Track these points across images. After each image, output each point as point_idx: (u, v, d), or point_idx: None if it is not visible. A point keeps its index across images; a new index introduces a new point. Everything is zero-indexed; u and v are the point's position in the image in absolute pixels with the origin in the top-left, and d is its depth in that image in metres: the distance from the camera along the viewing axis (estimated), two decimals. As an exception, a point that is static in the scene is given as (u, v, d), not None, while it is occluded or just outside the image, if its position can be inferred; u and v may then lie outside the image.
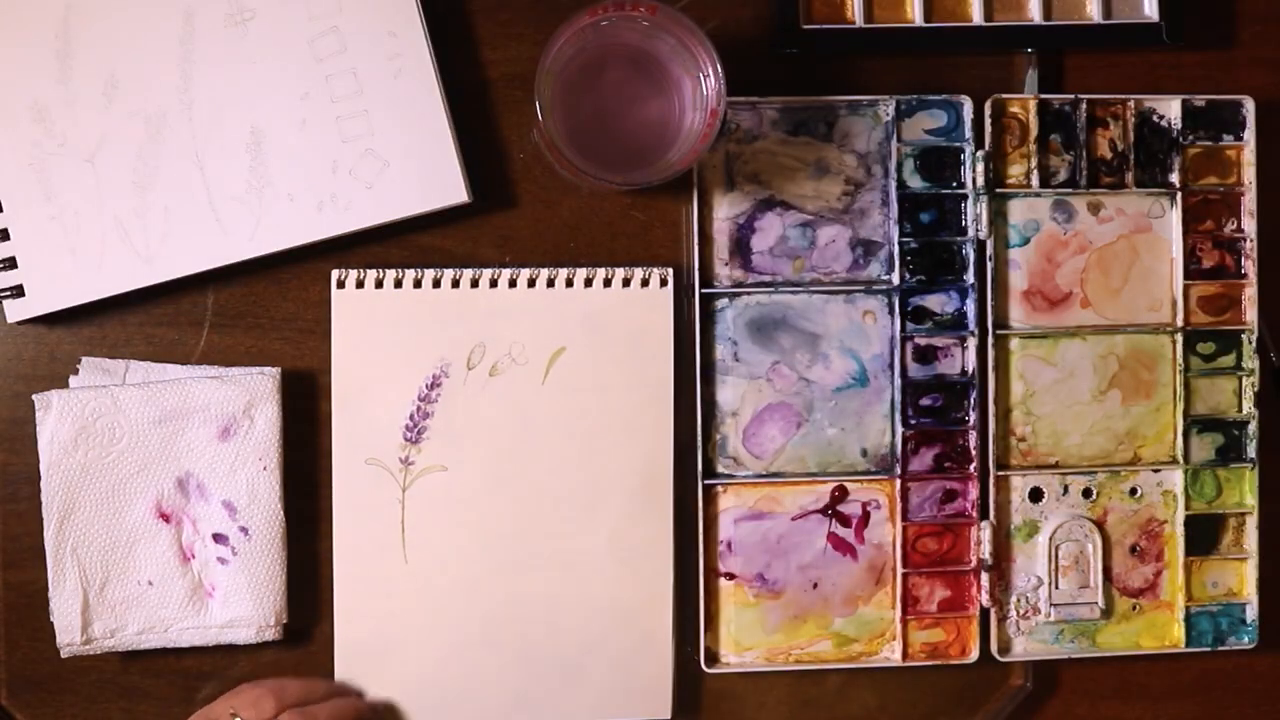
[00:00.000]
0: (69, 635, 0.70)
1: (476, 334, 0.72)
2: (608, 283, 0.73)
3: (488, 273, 0.72)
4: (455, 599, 0.72)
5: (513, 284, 0.72)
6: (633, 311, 0.73)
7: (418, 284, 0.72)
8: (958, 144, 0.75)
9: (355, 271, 0.72)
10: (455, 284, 0.72)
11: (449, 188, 0.71)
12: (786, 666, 0.74)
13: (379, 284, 0.72)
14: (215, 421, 0.71)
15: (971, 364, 0.75)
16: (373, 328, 0.72)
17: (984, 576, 0.75)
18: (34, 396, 0.70)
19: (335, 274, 0.72)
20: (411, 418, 0.72)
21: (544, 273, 0.73)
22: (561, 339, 0.73)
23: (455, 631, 0.72)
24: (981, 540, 0.75)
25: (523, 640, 0.73)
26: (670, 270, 0.73)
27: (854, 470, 0.75)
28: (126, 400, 0.70)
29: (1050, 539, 0.75)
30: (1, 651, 0.72)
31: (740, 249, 0.74)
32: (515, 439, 0.72)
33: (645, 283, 0.73)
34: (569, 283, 0.73)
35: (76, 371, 0.71)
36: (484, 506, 0.72)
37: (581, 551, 0.73)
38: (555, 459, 0.73)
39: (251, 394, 0.71)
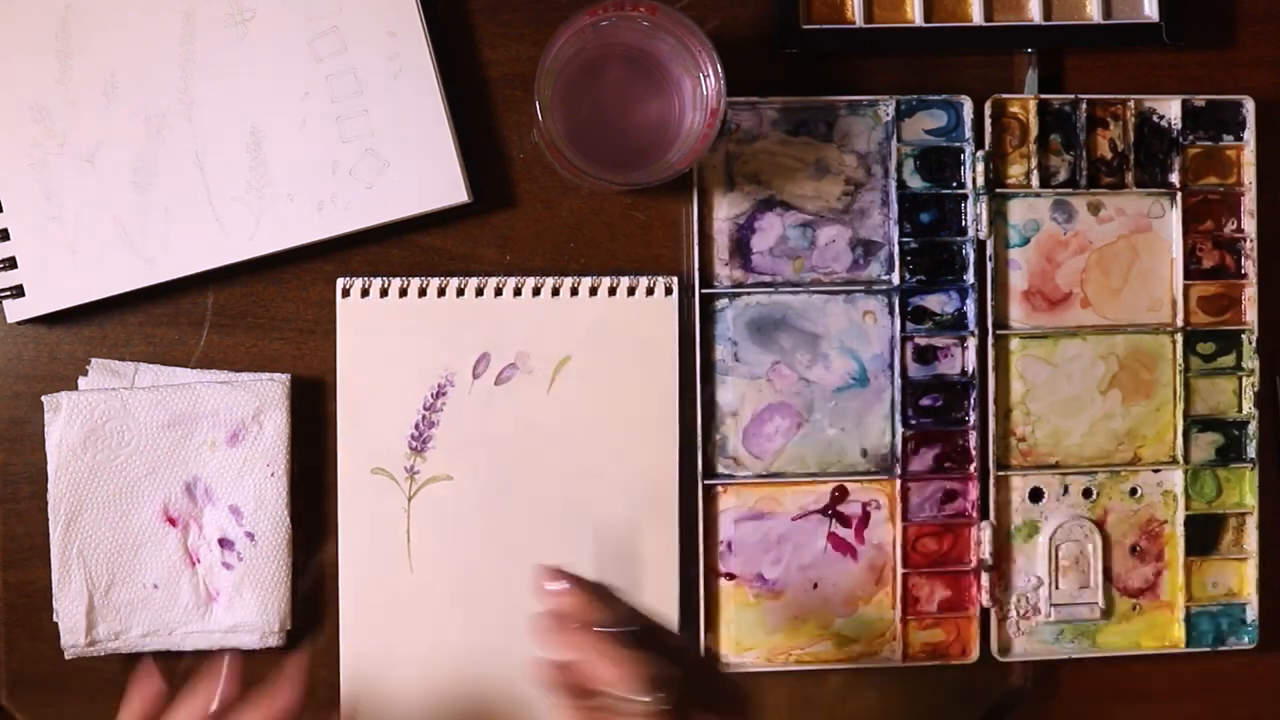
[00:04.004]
0: (74, 637, 0.70)
1: (481, 343, 0.72)
2: (613, 291, 0.73)
3: (492, 281, 0.72)
4: (460, 608, 0.72)
5: (517, 293, 0.72)
6: (638, 320, 0.73)
7: (422, 293, 0.72)
8: (958, 144, 0.75)
9: (360, 280, 0.72)
10: (460, 293, 0.72)
11: (449, 188, 0.71)
12: (787, 667, 0.74)
13: (384, 293, 0.72)
14: (224, 426, 0.71)
15: (971, 364, 0.75)
16: (377, 337, 0.72)
17: (984, 577, 0.75)
18: (43, 398, 0.70)
19: (340, 283, 0.72)
20: (417, 427, 0.72)
21: (549, 281, 0.72)
22: (567, 348, 0.73)
23: (460, 640, 0.72)
24: (981, 540, 0.75)
25: (528, 649, 0.72)
26: (675, 279, 0.73)
27: (854, 470, 0.75)
28: (136, 403, 0.70)
29: (1050, 539, 0.75)
30: (1, 652, 0.72)
31: (740, 249, 0.74)
32: (521, 448, 0.72)
33: (650, 291, 0.73)
34: (574, 291, 0.73)
35: (86, 373, 0.71)
36: (489, 516, 0.72)
37: (586, 560, 0.72)
38: (561, 468, 0.72)
39: (261, 400, 0.71)
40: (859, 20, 0.74)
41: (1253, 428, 0.77)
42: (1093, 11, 0.76)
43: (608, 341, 0.73)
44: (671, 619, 0.73)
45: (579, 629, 0.58)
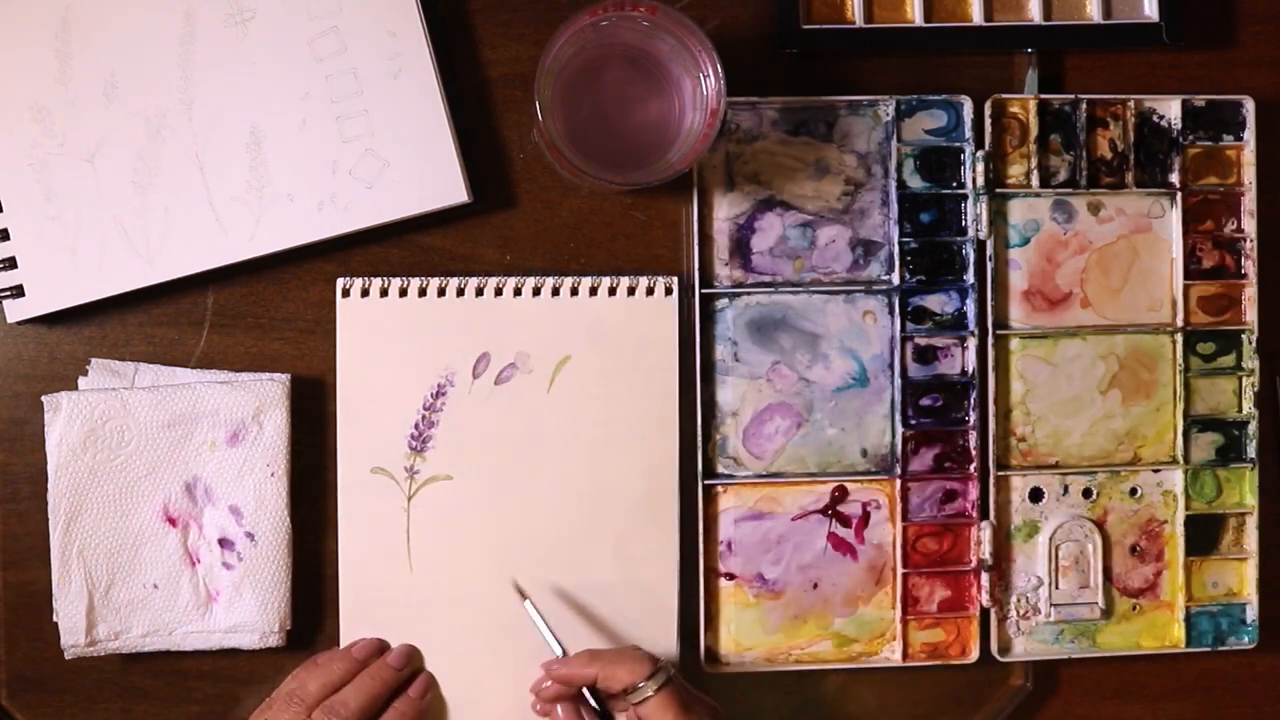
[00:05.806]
0: (74, 637, 0.70)
1: (481, 343, 0.72)
2: (613, 291, 0.73)
3: (493, 281, 0.72)
4: (460, 608, 0.72)
5: (518, 293, 0.72)
6: (638, 320, 0.73)
7: (423, 292, 0.72)
8: (958, 144, 0.75)
9: (360, 280, 0.72)
10: (460, 292, 0.72)
11: (449, 188, 0.71)
12: (787, 667, 0.74)
13: (384, 292, 0.72)
14: (224, 427, 0.71)
15: (971, 364, 0.75)
16: (378, 336, 0.72)
17: (984, 576, 0.75)
18: (43, 398, 0.70)
19: (340, 283, 0.72)
20: (417, 427, 0.72)
21: (549, 281, 0.72)
22: (567, 348, 0.73)
23: (460, 640, 0.72)
24: (981, 540, 0.75)
25: (527, 648, 0.72)
26: (675, 279, 0.73)
27: (854, 470, 0.75)
28: (136, 403, 0.70)
29: (1050, 539, 0.75)
30: (1, 652, 0.72)
31: (740, 249, 0.74)
32: (520, 448, 0.72)
33: (650, 291, 0.73)
34: (574, 291, 0.73)
35: (86, 373, 0.71)
36: (489, 515, 0.72)
37: (586, 559, 0.72)
38: (560, 468, 0.72)
39: (261, 400, 0.71)
40: (859, 20, 0.74)
41: (1253, 428, 0.76)
42: (1093, 11, 0.76)
43: (608, 341, 0.73)
44: (671, 619, 0.73)
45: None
